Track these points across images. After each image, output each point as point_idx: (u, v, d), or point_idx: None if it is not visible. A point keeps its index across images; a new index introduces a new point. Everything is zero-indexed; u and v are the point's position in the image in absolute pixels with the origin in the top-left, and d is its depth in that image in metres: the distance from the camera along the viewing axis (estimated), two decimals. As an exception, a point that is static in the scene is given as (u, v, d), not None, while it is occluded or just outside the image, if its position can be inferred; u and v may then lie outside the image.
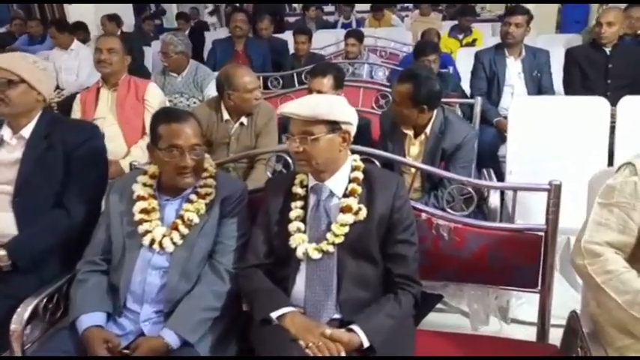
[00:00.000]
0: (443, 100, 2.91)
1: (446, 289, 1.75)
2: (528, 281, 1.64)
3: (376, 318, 1.39)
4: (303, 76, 3.84)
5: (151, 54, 5.95)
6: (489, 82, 3.29)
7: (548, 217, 1.57)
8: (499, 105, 3.24)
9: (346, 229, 1.46)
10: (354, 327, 1.35)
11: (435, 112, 2.22)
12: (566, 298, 1.89)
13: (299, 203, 1.53)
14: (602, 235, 1.30)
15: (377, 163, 1.78)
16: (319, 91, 2.49)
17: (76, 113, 2.75)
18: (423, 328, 1.66)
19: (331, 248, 1.46)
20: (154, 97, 2.75)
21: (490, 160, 2.94)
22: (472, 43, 5.10)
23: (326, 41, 5.85)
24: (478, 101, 2.63)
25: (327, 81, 2.50)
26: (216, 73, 3.46)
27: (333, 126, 1.43)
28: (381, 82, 3.53)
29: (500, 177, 2.64)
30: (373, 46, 5.12)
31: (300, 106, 1.43)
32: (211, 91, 3.32)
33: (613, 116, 2.51)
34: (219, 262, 1.58)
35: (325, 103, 1.44)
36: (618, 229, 1.29)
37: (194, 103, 3.29)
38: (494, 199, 2.11)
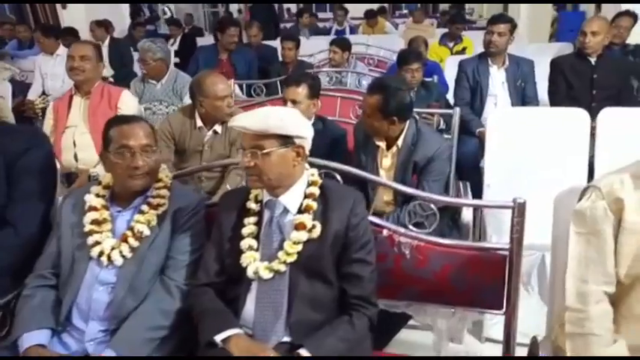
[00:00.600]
0: (424, 110, 2.90)
1: (410, 309, 1.69)
2: (493, 302, 1.57)
3: (327, 342, 1.34)
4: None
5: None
6: (473, 91, 3.24)
7: (513, 236, 1.51)
8: (482, 115, 3.18)
9: (299, 248, 1.40)
10: (302, 351, 1.30)
11: (408, 123, 2.16)
12: (541, 317, 1.83)
13: (252, 219, 1.48)
14: (585, 270, 1.24)
15: (338, 177, 1.72)
16: (293, 101, 2.44)
17: (49, 121, 2.70)
18: (386, 352, 1.60)
19: (283, 267, 1.40)
20: (127, 105, 2.69)
21: (472, 171, 2.88)
22: (462, 51, 5.05)
23: (318, 48, 5.83)
24: (457, 112, 2.57)
25: (302, 90, 2.44)
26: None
27: (286, 140, 1.38)
28: (363, 91, 3.48)
29: (481, 189, 2.58)
30: (362, 54, 5.08)
31: (250, 120, 1.38)
32: (191, 98, 3.29)
33: (594, 128, 2.45)
34: (170, 278, 1.53)
35: (277, 117, 1.38)
36: (600, 261, 1.23)
37: (173, 110, 3.24)
38: (467, 215, 2.05)
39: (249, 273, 1.41)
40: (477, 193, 2.52)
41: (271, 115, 1.39)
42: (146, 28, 7.43)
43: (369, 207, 2.29)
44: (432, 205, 1.62)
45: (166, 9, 13.64)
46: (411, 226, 1.63)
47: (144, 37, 6.95)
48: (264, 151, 1.35)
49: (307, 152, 1.45)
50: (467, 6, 12.55)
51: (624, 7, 4.04)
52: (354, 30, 7.73)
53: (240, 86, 3.84)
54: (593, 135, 2.42)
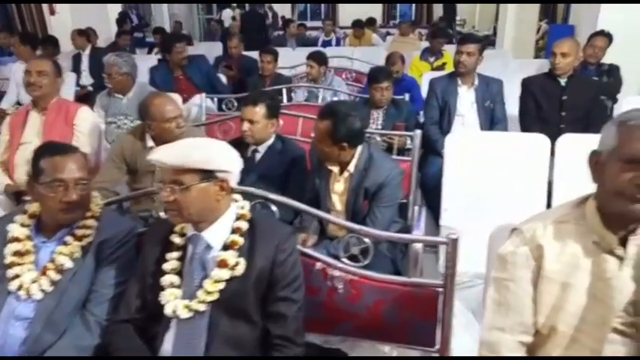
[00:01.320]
0: (385, 132, 2.86)
1: (344, 345, 1.64)
2: (426, 339, 1.53)
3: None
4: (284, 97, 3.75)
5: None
6: (441, 110, 3.20)
7: (446, 272, 1.47)
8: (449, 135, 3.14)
9: (221, 286, 1.35)
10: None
11: (360, 148, 2.12)
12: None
13: (175, 254, 1.43)
14: (502, 318, 1.20)
15: (274, 208, 1.68)
16: (250, 121, 2.39)
17: (4, 137, 2.66)
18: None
19: (202, 307, 1.35)
20: (84, 121, 2.66)
21: (435, 192, 2.84)
22: (442, 67, 5.02)
23: (302, 59, 5.80)
24: (417, 134, 2.53)
25: (259, 110, 2.40)
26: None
27: (208, 174, 1.33)
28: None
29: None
30: (343, 68, 5.04)
31: (168, 154, 1.33)
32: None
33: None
34: (92, 312, 1.48)
35: (197, 151, 1.33)
36: (518, 309, 1.19)
37: (139, 125, 3.20)
38: (415, 246, 2.01)
39: (168, 311, 1.36)
40: (436, 217, 2.49)
41: (191, 149, 1.34)
42: (133, 36, 7.39)
43: (324, 232, 2.27)
44: (366, 239, 1.57)
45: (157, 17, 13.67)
46: (345, 259, 1.58)
47: (129, 45, 6.95)
48: (184, 186, 1.31)
49: (234, 185, 1.40)
50: (459, 17, 12.57)
51: (601, 25, 4.01)
52: (340, 41, 7.71)
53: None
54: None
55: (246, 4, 11.28)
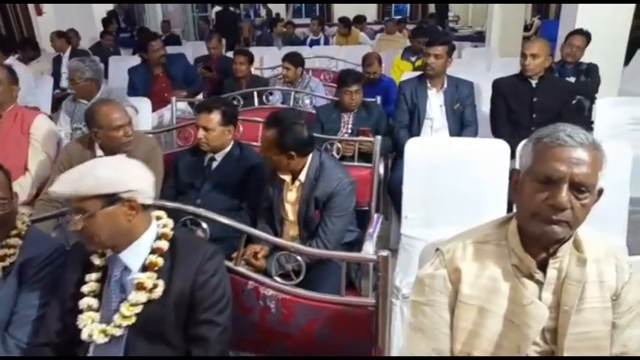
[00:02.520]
0: (345, 138, 2.79)
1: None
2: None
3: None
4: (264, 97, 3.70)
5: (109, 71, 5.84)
6: (411, 114, 3.14)
7: (378, 291, 1.41)
8: (419, 138, 3.08)
9: (137, 310, 1.31)
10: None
11: (311, 156, 2.07)
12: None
13: (94, 276, 1.38)
14: (417, 343, 1.14)
15: (204, 225, 1.62)
16: (205, 128, 2.34)
17: (-42, 147, 2.61)
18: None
19: (118, 332, 1.30)
20: (41, 129, 2.61)
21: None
22: (422, 67, 4.93)
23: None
24: (377, 140, 2.47)
25: (214, 117, 2.34)
26: (128, 99, 3.36)
27: (111, 198, 1.27)
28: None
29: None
30: (321, 69, 4.98)
31: (62, 184, 1.26)
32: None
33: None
34: (12, 335, 1.43)
35: (89, 176, 1.26)
36: (433, 334, 1.13)
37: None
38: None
39: (84, 336, 1.31)
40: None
41: (84, 176, 1.27)
42: (117, 36, 7.32)
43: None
44: (299, 257, 1.51)
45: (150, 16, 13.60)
46: (277, 278, 1.53)
47: (112, 45, 6.89)
48: (87, 214, 1.25)
49: (147, 201, 1.34)
50: (452, 14, 12.46)
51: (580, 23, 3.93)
52: (328, 40, 7.63)
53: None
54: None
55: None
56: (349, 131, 3.20)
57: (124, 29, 8.43)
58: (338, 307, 1.46)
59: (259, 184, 2.34)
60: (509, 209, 2.30)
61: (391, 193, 2.96)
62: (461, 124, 3.10)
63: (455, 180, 2.31)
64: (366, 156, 2.91)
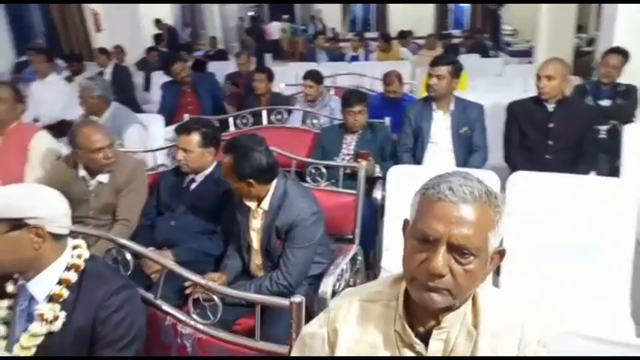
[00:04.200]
0: (326, 162, 2.66)
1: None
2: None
3: None
4: (273, 116, 3.69)
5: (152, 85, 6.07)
6: (415, 137, 2.98)
7: (291, 337, 1.30)
8: (422, 163, 2.91)
9: (37, 341, 1.27)
10: None
11: (275, 183, 1.99)
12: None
13: (5, 303, 1.37)
14: None
15: (128, 256, 1.57)
16: (185, 149, 2.32)
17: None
18: None
19: (16, 362, 1.28)
20: (39, 146, 2.69)
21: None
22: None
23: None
24: (362, 166, 2.34)
25: (193, 138, 2.32)
26: (136, 116, 3.43)
27: (17, 222, 1.25)
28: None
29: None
30: (339, 87, 4.87)
31: None
32: (130, 135, 3.27)
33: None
34: None
35: (1, 198, 1.26)
36: None
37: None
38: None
39: (-15, 364, 1.30)
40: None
41: None
42: (164, 52, 7.60)
43: (248, 271, 2.14)
44: (214, 296, 1.42)
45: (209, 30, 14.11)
46: (194, 315, 1.45)
47: (157, 61, 7.16)
48: None
49: (55, 230, 1.31)
50: (510, 27, 11.92)
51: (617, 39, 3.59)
52: (368, 55, 7.52)
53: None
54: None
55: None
56: (350, 153, 3.08)
57: (179, 46, 8.71)
58: (253, 352, 1.36)
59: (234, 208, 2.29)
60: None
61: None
62: (469, 149, 2.90)
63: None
64: (367, 179, 2.76)
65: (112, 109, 3.31)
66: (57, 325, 1.28)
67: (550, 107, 2.79)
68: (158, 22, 8.61)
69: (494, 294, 1.00)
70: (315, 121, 3.63)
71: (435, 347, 0.94)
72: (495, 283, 2.07)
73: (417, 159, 2.95)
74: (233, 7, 16.81)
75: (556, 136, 2.76)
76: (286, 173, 2.07)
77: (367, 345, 0.98)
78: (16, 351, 1.28)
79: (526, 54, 8.75)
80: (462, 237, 0.87)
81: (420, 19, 15.86)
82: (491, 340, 0.93)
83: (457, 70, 2.84)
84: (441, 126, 2.92)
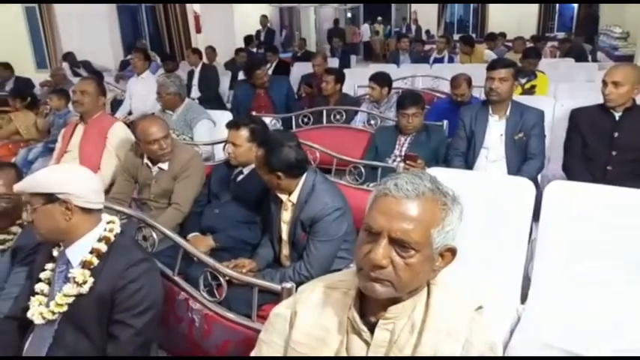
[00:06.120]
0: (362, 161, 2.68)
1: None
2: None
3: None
4: (332, 116, 3.84)
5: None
6: (469, 142, 2.92)
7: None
8: (473, 168, 2.85)
9: (68, 300, 1.48)
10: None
11: (304, 178, 2.08)
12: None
13: (50, 265, 1.59)
14: None
15: (154, 235, 1.74)
16: (234, 143, 2.49)
17: (58, 145, 3.16)
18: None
19: (51, 316, 1.49)
20: (116, 135, 3.01)
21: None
22: (532, 90, 4.51)
23: (402, 74, 5.74)
24: (399, 167, 2.35)
25: (243, 133, 2.48)
26: (207, 112, 3.68)
27: (49, 197, 1.46)
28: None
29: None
30: (423, 89, 4.83)
31: (20, 182, 1.51)
32: (200, 129, 3.54)
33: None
34: (-2, 307, 1.71)
35: (35, 176, 1.48)
36: None
37: (183, 139, 3.51)
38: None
39: (28, 314, 1.52)
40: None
41: (38, 175, 1.49)
42: (252, 52, 8.00)
43: (278, 261, 2.26)
44: (220, 277, 1.55)
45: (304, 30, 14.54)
46: (204, 293, 1.58)
47: (245, 61, 7.54)
48: (32, 207, 1.47)
49: (85, 205, 1.50)
50: (621, 30, 10.93)
51: None
52: (452, 58, 7.34)
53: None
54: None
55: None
56: (402, 154, 3.09)
57: (259, 47, 9.13)
58: (249, 331, 1.47)
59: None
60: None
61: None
62: (524, 156, 2.78)
63: (472, 218, 2.10)
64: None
65: (186, 104, 3.60)
66: (85, 289, 1.47)
67: (617, 116, 2.60)
68: (265, 17, 9.04)
69: (448, 292, 1.02)
70: (373, 122, 3.66)
71: (381, 336, 0.98)
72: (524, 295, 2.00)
73: (468, 164, 2.89)
74: (329, 10, 17.17)
75: (620, 147, 2.57)
76: (316, 169, 2.16)
77: (320, 328, 1.03)
78: (52, 306, 1.49)
79: (633, 59, 8.03)
80: (402, 231, 0.91)
81: (523, 22, 15.10)
82: (436, 336, 0.95)
83: (517, 73, 2.74)
84: (495, 131, 2.84)
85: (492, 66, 2.80)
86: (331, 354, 1.01)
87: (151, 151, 2.52)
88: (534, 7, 15.40)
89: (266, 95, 4.56)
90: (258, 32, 9.33)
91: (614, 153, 2.59)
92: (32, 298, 1.54)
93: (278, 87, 4.61)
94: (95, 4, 7.68)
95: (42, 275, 1.57)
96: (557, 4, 15.67)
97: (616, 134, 2.58)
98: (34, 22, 8.62)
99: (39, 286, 1.56)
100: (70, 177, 1.50)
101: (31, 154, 4.29)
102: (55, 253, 1.60)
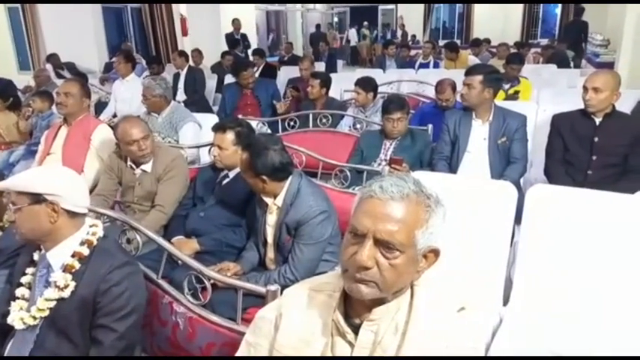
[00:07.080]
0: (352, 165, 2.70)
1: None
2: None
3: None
4: (318, 120, 3.85)
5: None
6: (452, 146, 2.95)
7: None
8: (456, 173, 2.88)
9: (50, 304, 1.46)
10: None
11: (289, 181, 2.09)
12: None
13: (31, 270, 1.57)
14: None
15: (138, 238, 1.73)
16: (219, 146, 2.48)
17: (41, 147, 3.12)
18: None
19: (32, 321, 1.47)
20: (99, 137, 2.99)
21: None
22: (515, 95, 4.57)
23: (386, 79, 5.77)
24: (385, 171, 2.37)
25: (228, 136, 2.47)
26: (192, 115, 3.67)
27: (37, 197, 1.45)
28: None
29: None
30: (409, 94, 4.87)
31: (6, 180, 1.49)
32: (185, 132, 3.52)
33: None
34: (-23, 310, 1.69)
35: (24, 176, 1.47)
36: None
37: (169, 142, 3.49)
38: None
39: (9, 319, 1.50)
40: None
41: (27, 174, 1.48)
42: (238, 55, 7.98)
43: (263, 264, 2.25)
44: (205, 280, 1.54)
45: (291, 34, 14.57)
46: (188, 296, 1.58)
47: (230, 65, 7.52)
48: (16, 207, 1.45)
49: (70, 208, 1.48)
50: (602, 37, 11.14)
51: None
52: (437, 64, 7.41)
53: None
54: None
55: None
56: (387, 158, 3.11)
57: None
58: (234, 334, 1.47)
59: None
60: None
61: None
62: (507, 160, 2.82)
63: (452, 224, 2.12)
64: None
65: (171, 107, 3.58)
66: (67, 293, 1.45)
67: (597, 121, 2.66)
68: (234, 21, 8.97)
69: (431, 293, 1.03)
70: (358, 126, 3.68)
71: (365, 338, 0.98)
72: (507, 298, 2.02)
73: (452, 168, 2.92)
74: (316, 14, 17.22)
75: (600, 151, 2.62)
76: (302, 172, 2.16)
77: (306, 331, 1.04)
78: (33, 311, 1.47)
79: (612, 66, 8.19)
80: (387, 232, 0.92)
81: (507, 28, 15.31)
82: (419, 336, 0.96)
83: (491, 80, 2.77)
84: (478, 135, 2.87)
85: (467, 72, 2.85)
86: (317, 355, 1.02)
87: (131, 152, 2.51)
88: (518, 14, 15.63)
89: (252, 95, 4.59)
90: (230, 35, 9.18)
91: (594, 157, 2.64)
92: (13, 303, 1.52)
93: (264, 88, 4.65)
94: (79, 5, 7.62)
95: (23, 279, 1.56)
96: (541, 11, 15.87)
97: (596, 139, 2.63)
98: (16, 22, 8.53)
99: (19, 291, 1.54)
100: (60, 179, 1.49)
101: (12, 156, 4.23)
102: (36, 256, 1.58)
